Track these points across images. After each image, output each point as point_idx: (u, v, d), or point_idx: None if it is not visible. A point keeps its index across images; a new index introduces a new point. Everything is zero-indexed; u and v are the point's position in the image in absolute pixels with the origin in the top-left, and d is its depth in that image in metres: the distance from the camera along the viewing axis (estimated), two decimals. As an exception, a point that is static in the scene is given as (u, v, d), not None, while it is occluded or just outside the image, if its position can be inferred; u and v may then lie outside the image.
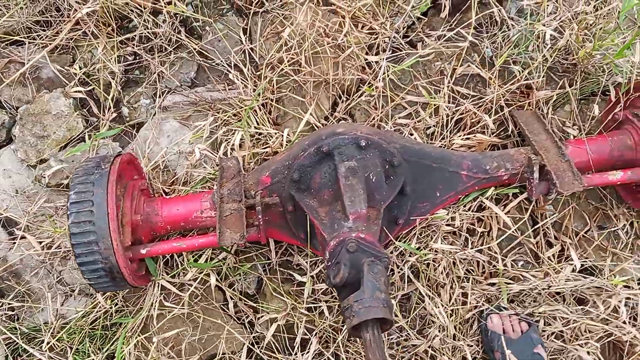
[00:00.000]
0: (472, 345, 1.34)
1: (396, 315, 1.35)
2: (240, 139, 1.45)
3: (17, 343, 1.36)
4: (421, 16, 1.54)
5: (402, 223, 1.29)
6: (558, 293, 1.35)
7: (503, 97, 1.41)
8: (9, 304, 1.40)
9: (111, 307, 1.37)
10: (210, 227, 1.28)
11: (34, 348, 1.36)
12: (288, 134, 1.41)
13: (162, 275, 1.35)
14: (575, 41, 1.40)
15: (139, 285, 1.27)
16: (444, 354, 1.32)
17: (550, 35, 1.39)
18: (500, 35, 1.45)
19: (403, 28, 1.53)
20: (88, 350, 1.36)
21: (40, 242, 1.43)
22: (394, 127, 1.40)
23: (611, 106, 1.38)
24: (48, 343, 1.36)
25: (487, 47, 1.48)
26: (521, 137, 1.40)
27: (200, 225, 1.28)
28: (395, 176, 1.23)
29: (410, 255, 1.31)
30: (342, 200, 1.12)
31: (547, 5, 1.50)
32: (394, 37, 1.49)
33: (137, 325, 1.34)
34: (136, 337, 1.31)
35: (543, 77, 1.41)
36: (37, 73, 1.54)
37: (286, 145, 1.41)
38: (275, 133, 1.43)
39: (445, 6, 1.52)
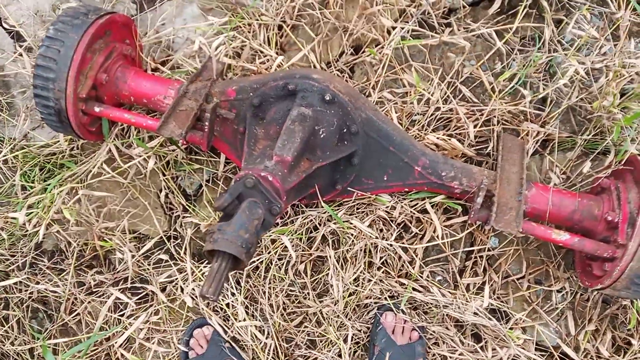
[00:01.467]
0: (359, 330, 1.35)
1: (253, 262, 1.37)
2: (241, 47, 1.45)
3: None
4: (470, 5, 1.46)
5: (340, 190, 1.28)
6: (459, 321, 1.32)
7: (502, 114, 1.33)
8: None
9: (66, 150, 1.45)
10: (166, 114, 1.32)
11: (-9, 154, 1.47)
12: (282, 62, 1.39)
13: (114, 139, 1.41)
14: (604, 91, 1.29)
15: (88, 139, 1.34)
16: (330, 325, 1.34)
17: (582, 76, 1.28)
18: (534, 56, 1.35)
19: (444, 8, 1.45)
20: (34, 177, 1.46)
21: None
22: (379, 98, 1.36)
23: (604, 169, 1.28)
24: (4, 155, 1.47)
25: (514, 61, 1.38)
26: (494, 160, 1.33)
27: (160, 110, 1.32)
28: (348, 142, 1.21)
29: (334, 223, 1.31)
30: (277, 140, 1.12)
31: (603, 45, 1.38)
32: (428, 12, 1.41)
33: (78, 174, 1.43)
34: (69, 184, 1.39)
35: (560, 113, 1.32)
36: None
37: (274, 70, 1.40)
38: (274, 57, 1.42)
39: (497, 3, 1.42)
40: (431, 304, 1.30)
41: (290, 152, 1.09)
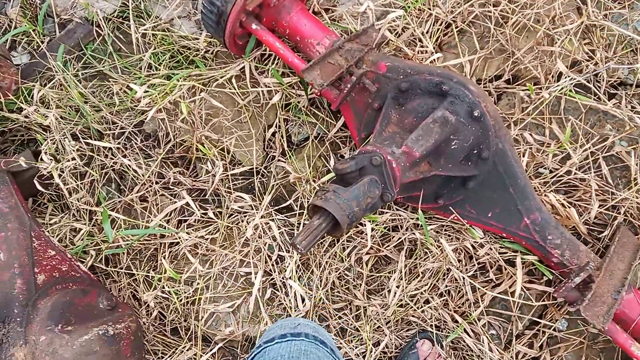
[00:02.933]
0: (392, 342, 1.32)
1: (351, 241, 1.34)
2: (403, 29, 1.42)
3: (132, 7, 1.50)
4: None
5: (441, 205, 1.24)
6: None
7: (631, 207, 1.25)
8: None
9: (202, 49, 1.47)
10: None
11: (135, 24, 1.50)
12: (437, 59, 1.35)
13: (251, 61, 1.41)
14: None
15: (230, 50, 1.35)
16: (368, 324, 1.32)
17: None
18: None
19: (617, 78, 1.37)
20: (162, 61, 1.48)
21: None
22: (517, 135, 1.30)
23: None
24: (146, 28, 1.49)
25: (666, 160, 1.30)
26: (603, 249, 1.26)
27: (308, 53, 1.31)
28: (473, 165, 1.17)
29: (420, 233, 1.27)
30: (413, 132, 1.09)
31: None
32: (600, 74, 1.34)
33: (203, 76, 1.44)
34: (193, 82, 1.40)
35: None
36: None
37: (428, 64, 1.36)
38: (431, 51, 1.38)
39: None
40: (475, 353, 1.25)
41: (421, 148, 1.06)
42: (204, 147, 1.36)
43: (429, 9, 1.42)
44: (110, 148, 1.43)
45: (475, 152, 1.16)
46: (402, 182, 1.03)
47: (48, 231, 1.37)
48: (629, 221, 1.26)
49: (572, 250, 1.17)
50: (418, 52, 1.38)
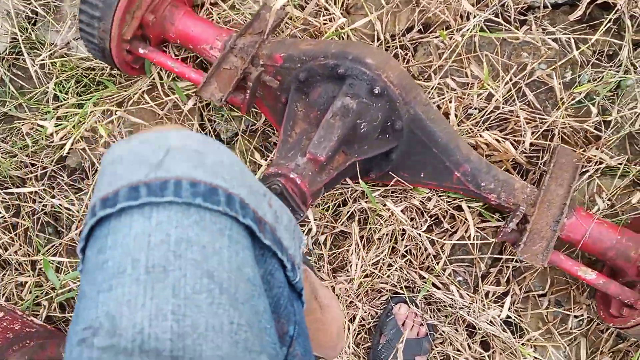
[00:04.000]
0: (366, 313, 1.33)
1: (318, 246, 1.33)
2: (305, 2, 1.39)
3: (22, 40, 1.42)
4: (551, 6, 1.38)
5: (374, 177, 1.23)
6: (470, 326, 1.29)
7: (563, 127, 1.27)
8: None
9: (107, 68, 1.40)
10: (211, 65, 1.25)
11: (30, 56, 1.42)
12: (344, 24, 1.33)
13: (155, 76, 1.35)
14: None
15: (130, 74, 1.29)
16: (340, 302, 1.31)
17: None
18: (606, 73, 1.28)
19: (524, 3, 1.37)
20: (68, 88, 1.41)
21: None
22: (439, 84, 1.30)
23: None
24: (42, 59, 1.41)
25: (586, 74, 1.32)
26: (543, 171, 1.28)
27: (205, 57, 1.26)
28: (390, 137, 1.15)
29: (366, 202, 1.26)
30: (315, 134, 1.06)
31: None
32: (507, 5, 1.34)
33: (115, 96, 1.38)
34: (106, 105, 1.34)
35: (619, 138, 1.27)
36: None
37: (330, 35, 1.34)
38: (337, 17, 1.36)
39: (580, 9, 1.35)
40: (447, 303, 1.27)
41: (325, 151, 1.02)
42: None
43: (328, -26, 1.39)
44: (36, 192, 1.36)
45: (388, 124, 1.14)
46: (314, 190, 1.01)
47: (-8, 293, 1.31)
48: (565, 140, 1.29)
49: (507, 191, 1.17)
50: (326, 23, 1.35)
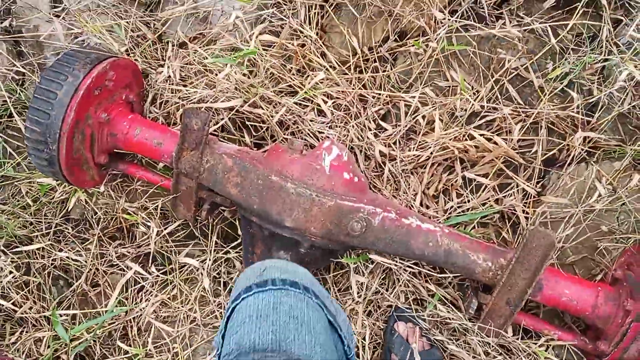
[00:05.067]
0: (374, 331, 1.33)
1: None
2: (279, 27, 1.40)
3: (12, 102, 1.45)
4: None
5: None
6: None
7: (549, 117, 1.26)
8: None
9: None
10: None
11: (21, 117, 1.45)
12: (324, 43, 1.33)
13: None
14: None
15: (84, 187, 1.33)
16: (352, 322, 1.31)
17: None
18: (588, 57, 1.26)
19: (496, -3, 1.37)
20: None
21: (69, 30, 1.48)
22: (421, 95, 1.29)
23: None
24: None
25: (567, 61, 1.30)
26: (540, 168, 1.26)
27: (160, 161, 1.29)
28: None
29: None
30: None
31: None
32: (479, 1, 1.33)
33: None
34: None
35: (610, 120, 1.25)
36: None
37: (314, 53, 1.34)
38: (313, 37, 1.36)
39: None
40: (450, 322, 1.25)
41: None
42: (130, 214, 1.33)
43: (298, -3, 1.40)
44: (43, 247, 1.40)
45: (332, 253, 1.22)
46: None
47: (13, 352, 1.34)
48: (553, 130, 1.27)
49: (468, 275, 1.16)
50: (303, 46, 1.36)
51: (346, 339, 0.85)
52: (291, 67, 1.38)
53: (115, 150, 1.29)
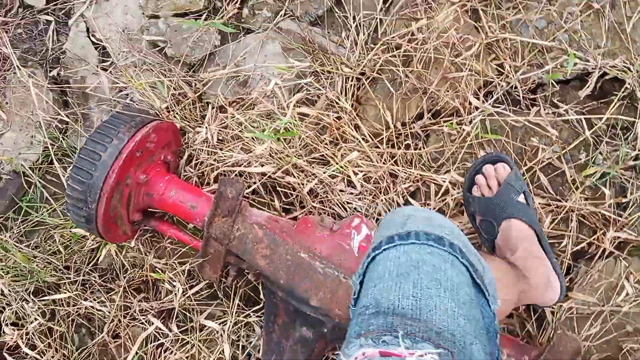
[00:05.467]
0: None
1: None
2: (316, 97, 1.44)
3: (54, 150, 1.51)
4: (560, 82, 1.39)
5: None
6: None
7: (579, 211, 1.26)
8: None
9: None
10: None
11: (61, 165, 1.50)
12: (358, 115, 1.36)
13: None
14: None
15: (116, 242, 1.37)
16: None
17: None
18: (622, 151, 1.27)
19: (532, 83, 1.39)
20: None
21: (114, 84, 1.54)
22: (443, 180, 1.31)
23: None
24: (73, 167, 1.49)
25: (600, 154, 1.31)
26: (569, 261, 1.26)
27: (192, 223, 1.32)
28: None
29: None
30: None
31: None
32: (515, 87, 1.36)
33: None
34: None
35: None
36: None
37: (348, 125, 1.38)
38: (348, 109, 1.40)
39: (589, 85, 1.35)
40: None
41: None
42: (157, 272, 1.36)
43: (337, 69, 1.44)
44: (70, 296, 1.42)
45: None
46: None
47: (32, 399, 1.36)
48: (583, 223, 1.27)
49: None
50: (339, 119, 1.39)
51: (492, 303, 0.76)
52: (325, 138, 1.41)
53: (149, 208, 1.33)
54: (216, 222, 1.22)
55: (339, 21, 1.53)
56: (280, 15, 1.57)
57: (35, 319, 1.37)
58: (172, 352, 1.36)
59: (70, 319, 1.44)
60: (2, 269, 1.41)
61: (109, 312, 1.41)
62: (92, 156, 1.16)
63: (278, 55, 1.53)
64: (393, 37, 1.42)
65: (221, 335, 1.34)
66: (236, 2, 1.57)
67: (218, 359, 1.34)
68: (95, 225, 1.21)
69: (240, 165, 1.38)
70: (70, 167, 1.17)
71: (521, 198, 1.18)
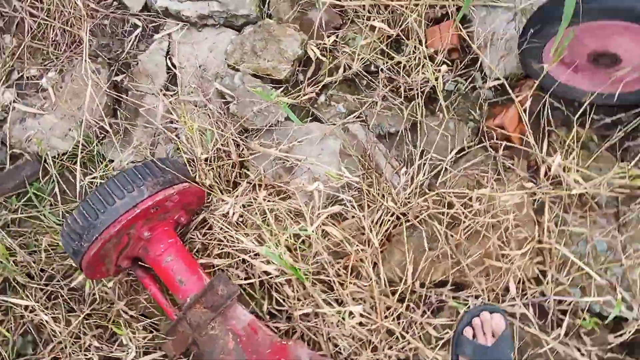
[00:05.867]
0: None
1: None
2: (352, 215, 1.37)
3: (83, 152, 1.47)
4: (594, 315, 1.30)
5: None
6: None
7: None
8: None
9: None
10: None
11: (82, 169, 1.46)
12: (382, 251, 1.29)
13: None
14: None
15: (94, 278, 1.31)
16: None
17: None
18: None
19: (567, 304, 1.29)
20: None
21: (168, 112, 1.51)
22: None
23: None
24: (94, 177, 1.46)
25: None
26: None
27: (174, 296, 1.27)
28: None
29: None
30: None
31: None
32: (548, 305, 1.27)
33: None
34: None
35: None
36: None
37: (368, 262, 1.30)
38: (374, 245, 1.32)
39: (623, 335, 1.25)
40: None
41: None
42: (119, 328, 1.30)
43: (383, 197, 1.37)
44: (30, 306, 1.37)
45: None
46: None
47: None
48: None
49: None
50: (359, 252, 1.32)
51: None
52: (340, 263, 1.34)
53: (139, 261, 1.27)
54: (196, 309, 1.16)
55: (405, 148, 1.47)
56: (354, 117, 1.52)
57: (-13, 313, 1.32)
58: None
59: (22, 321, 1.38)
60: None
61: (60, 334, 1.35)
62: (107, 199, 1.11)
63: (334, 154, 1.47)
64: (450, 192, 1.35)
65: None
66: (317, 86, 1.52)
67: None
68: (80, 261, 1.16)
69: (246, 254, 1.32)
70: (83, 199, 1.12)
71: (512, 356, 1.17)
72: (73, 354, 1.35)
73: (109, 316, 1.35)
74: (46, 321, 1.35)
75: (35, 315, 1.37)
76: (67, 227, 1.14)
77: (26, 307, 1.37)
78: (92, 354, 1.34)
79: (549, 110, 1.38)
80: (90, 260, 1.15)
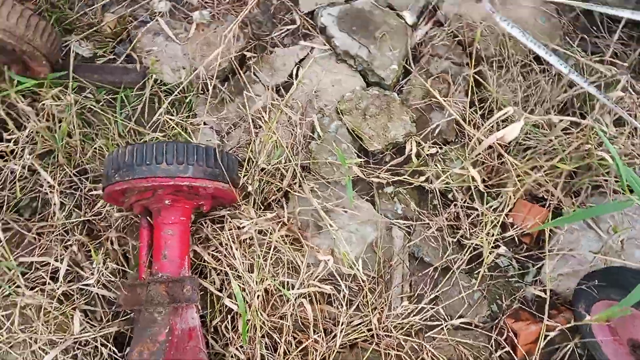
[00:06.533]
0: None
1: None
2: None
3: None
4: None
5: None
6: None
7: None
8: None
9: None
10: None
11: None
12: None
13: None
14: None
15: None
16: None
17: None
18: None
19: None
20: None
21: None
22: None
23: None
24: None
25: None
26: None
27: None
28: None
29: None
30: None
31: None
32: None
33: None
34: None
35: None
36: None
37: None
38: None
39: None
40: None
41: None
42: (97, 252, 1.38)
43: (373, 310, 1.36)
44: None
45: None
46: None
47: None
48: None
49: None
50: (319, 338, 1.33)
51: None
52: (296, 334, 1.35)
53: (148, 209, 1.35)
54: (159, 288, 1.23)
55: (425, 281, 1.44)
56: (404, 224, 1.51)
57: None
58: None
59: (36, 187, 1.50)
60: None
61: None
62: (158, 156, 1.19)
63: (364, 242, 1.49)
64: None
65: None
66: (393, 177, 1.52)
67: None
68: (105, 186, 1.25)
69: (233, 269, 1.36)
70: (143, 142, 1.20)
71: None
72: (55, 240, 1.45)
73: (99, 236, 1.44)
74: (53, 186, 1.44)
75: (50, 188, 1.47)
76: (115, 154, 1.23)
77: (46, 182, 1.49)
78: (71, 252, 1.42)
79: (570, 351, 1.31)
80: (112, 191, 1.24)
